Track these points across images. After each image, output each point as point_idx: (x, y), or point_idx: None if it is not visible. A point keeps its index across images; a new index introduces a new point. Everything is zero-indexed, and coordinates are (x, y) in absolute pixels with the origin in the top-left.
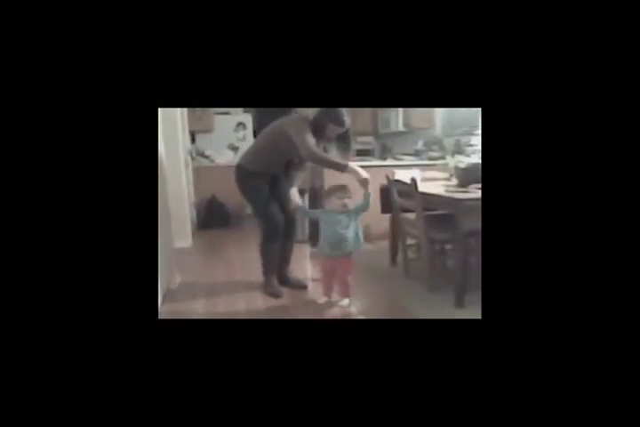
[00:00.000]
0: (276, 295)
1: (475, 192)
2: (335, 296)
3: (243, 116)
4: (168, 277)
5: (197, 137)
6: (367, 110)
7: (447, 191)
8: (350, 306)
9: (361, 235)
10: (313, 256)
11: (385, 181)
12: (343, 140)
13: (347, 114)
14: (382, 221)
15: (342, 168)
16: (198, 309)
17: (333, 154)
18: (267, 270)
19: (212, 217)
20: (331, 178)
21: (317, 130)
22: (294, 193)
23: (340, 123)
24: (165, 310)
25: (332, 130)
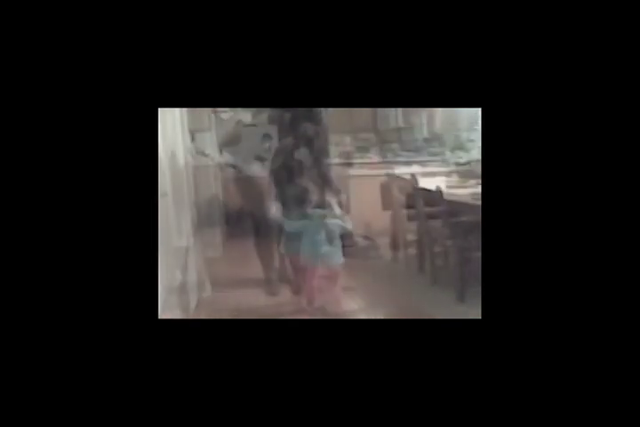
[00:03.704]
0: (271, 293)
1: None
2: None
3: (269, 127)
4: (199, 285)
5: (224, 150)
6: None
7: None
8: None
9: None
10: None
11: (386, 178)
12: (318, 139)
13: (323, 113)
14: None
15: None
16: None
17: (304, 153)
18: (264, 269)
19: (241, 226)
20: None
21: (292, 127)
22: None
23: (315, 121)
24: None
25: (307, 128)
